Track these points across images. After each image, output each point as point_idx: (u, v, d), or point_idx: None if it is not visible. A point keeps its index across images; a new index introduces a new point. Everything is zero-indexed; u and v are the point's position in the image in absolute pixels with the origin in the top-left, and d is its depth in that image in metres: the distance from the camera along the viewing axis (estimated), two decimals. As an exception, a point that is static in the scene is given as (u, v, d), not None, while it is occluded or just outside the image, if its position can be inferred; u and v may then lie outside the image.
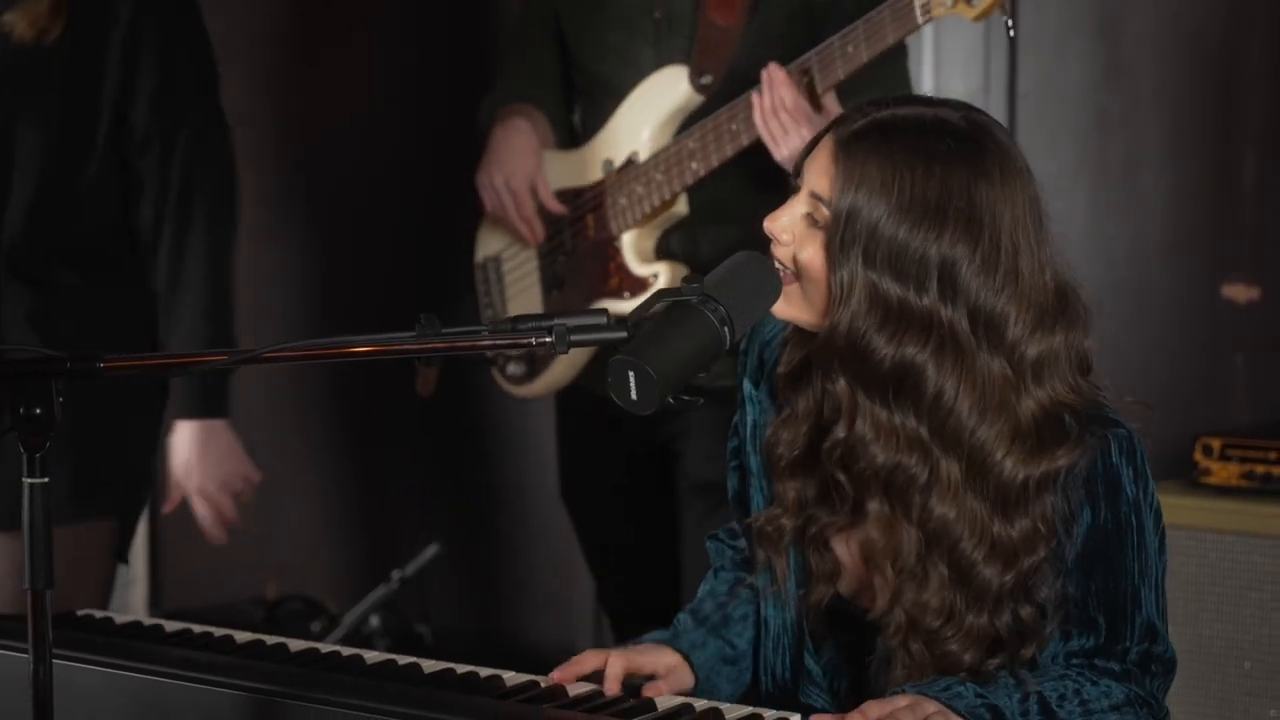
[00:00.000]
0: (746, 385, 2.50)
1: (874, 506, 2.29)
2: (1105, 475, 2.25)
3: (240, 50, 4.81)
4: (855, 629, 2.40)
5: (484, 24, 4.86)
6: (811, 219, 2.27)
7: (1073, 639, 2.28)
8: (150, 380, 3.49)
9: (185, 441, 3.48)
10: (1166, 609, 2.32)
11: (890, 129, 2.25)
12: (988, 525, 2.25)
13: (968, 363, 2.23)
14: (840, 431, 2.29)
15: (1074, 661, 2.28)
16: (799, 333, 2.37)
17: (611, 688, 2.30)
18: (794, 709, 2.37)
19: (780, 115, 3.26)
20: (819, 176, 2.27)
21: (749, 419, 2.50)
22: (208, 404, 3.49)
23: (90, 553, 3.46)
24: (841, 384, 2.28)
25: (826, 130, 2.31)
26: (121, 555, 3.57)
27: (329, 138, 4.89)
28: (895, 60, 3.44)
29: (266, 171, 4.83)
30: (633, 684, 2.36)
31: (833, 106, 3.28)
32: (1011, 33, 3.09)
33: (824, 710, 2.39)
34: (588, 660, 2.35)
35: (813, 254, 2.27)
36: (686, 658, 2.43)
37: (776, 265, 2.30)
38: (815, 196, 2.27)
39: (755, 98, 3.30)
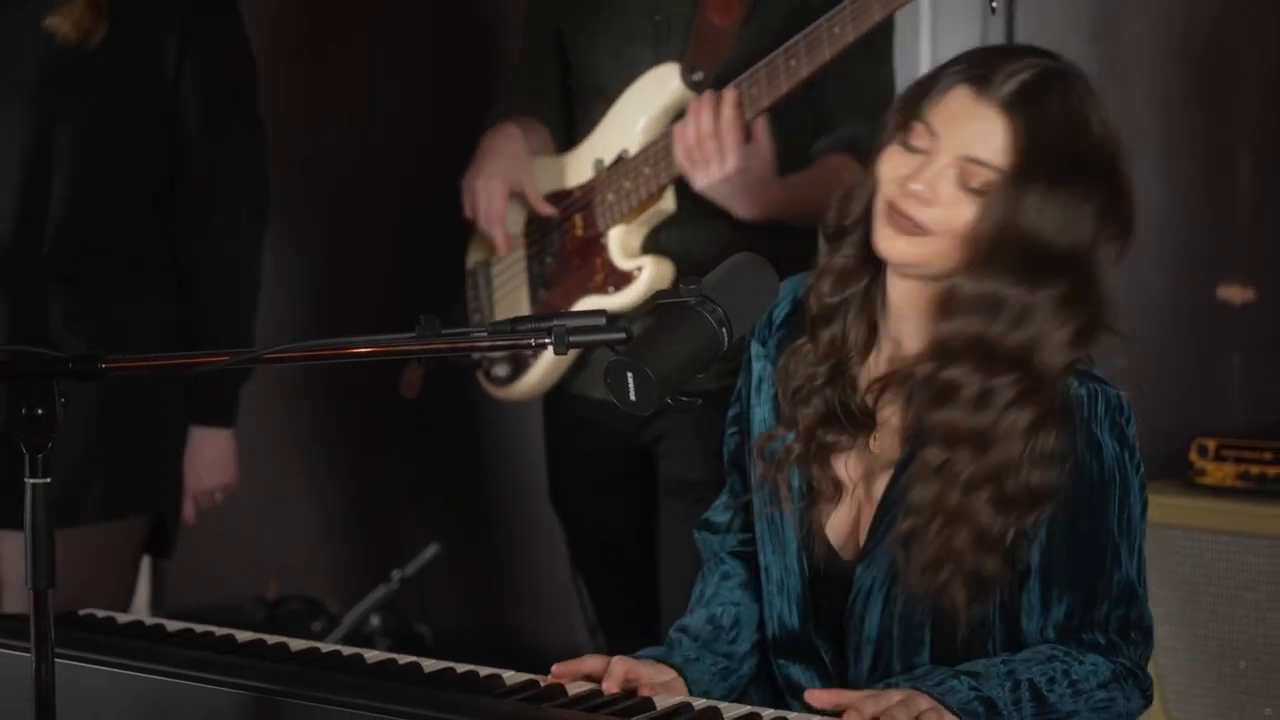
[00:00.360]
0: (754, 346, 2.54)
1: (944, 418, 2.32)
2: (1088, 427, 2.30)
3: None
4: (843, 586, 2.42)
5: (483, 31, 4.85)
6: (961, 181, 2.29)
7: (1053, 606, 2.30)
8: (182, 379, 3.54)
9: (198, 447, 3.57)
10: (1145, 576, 2.35)
11: (1042, 84, 2.30)
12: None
13: (1075, 303, 2.29)
14: (928, 369, 2.33)
15: (1060, 636, 2.30)
16: (840, 274, 2.42)
17: (610, 685, 2.31)
18: (804, 657, 2.43)
19: (706, 144, 3.27)
20: (973, 140, 2.29)
21: (754, 376, 2.54)
22: (224, 413, 3.60)
23: (111, 554, 3.51)
24: (958, 325, 2.31)
25: (955, 80, 2.32)
26: (166, 551, 3.63)
27: (329, 141, 4.89)
28: (882, 83, 3.45)
29: (278, 181, 4.84)
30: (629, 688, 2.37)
31: (761, 136, 3.30)
32: (994, 5, 3.09)
33: (829, 663, 2.43)
34: (588, 661, 2.36)
35: (961, 214, 2.30)
36: (681, 672, 2.44)
37: (904, 218, 2.31)
38: (976, 162, 2.29)
39: (676, 129, 3.31)
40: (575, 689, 2.31)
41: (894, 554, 2.35)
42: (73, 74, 3.42)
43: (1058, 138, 2.28)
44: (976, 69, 2.32)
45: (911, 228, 2.32)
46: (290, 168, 4.87)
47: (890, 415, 2.42)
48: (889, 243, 2.33)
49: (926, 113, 2.33)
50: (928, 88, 2.34)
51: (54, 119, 3.43)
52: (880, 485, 2.41)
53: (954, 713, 2.16)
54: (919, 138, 2.33)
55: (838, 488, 2.44)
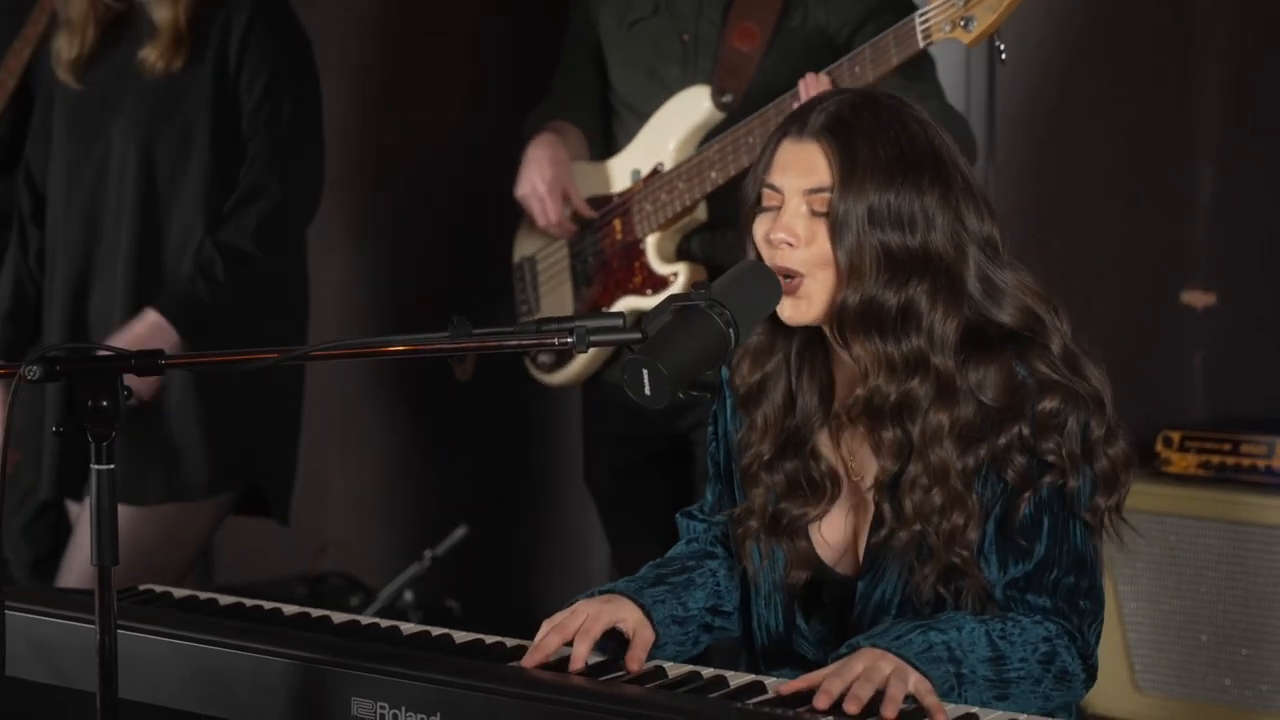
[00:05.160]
0: (725, 372, 2.52)
1: (888, 435, 2.31)
2: (1027, 415, 2.28)
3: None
4: (840, 595, 2.40)
5: (537, 38, 4.83)
6: (812, 212, 2.29)
7: (1009, 568, 2.28)
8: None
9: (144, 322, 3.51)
10: (1100, 555, 2.32)
11: (847, 111, 2.31)
12: (959, 415, 2.29)
13: (957, 286, 2.29)
14: (860, 390, 2.32)
15: (1010, 593, 2.27)
16: (755, 354, 2.42)
17: (575, 666, 2.28)
18: (792, 663, 2.39)
19: None
20: (807, 173, 2.30)
21: (729, 404, 2.52)
22: (183, 314, 3.51)
23: (204, 524, 3.63)
24: (856, 348, 2.30)
25: (779, 139, 2.34)
26: (282, 518, 3.73)
27: (386, 149, 4.89)
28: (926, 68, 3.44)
29: (327, 189, 4.83)
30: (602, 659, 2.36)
31: None
32: (1004, 56, 3.09)
33: (819, 663, 2.39)
34: (551, 640, 2.32)
35: (823, 246, 2.29)
36: (648, 613, 2.40)
37: (783, 275, 2.30)
38: (813, 191, 2.29)
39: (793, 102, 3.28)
40: (591, 659, 2.31)
41: (897, 569, 2.33)
42: (166, 96, 3.50)
43: (874, 145, 2.28)
44: (793, 122, 2.35)
45: (789, 286, 2.31)
46: (350, 176, 4.88)
47: (861, 444, 2.39)
48: (779, 310, 2.32)
49: (768, 176, 2.34)
50: (766, 157, 2.36)
51: (157, 138, 3.51)
52: (868, 506, 2.37)
53: (916, 668, 2.13)
54: (770, 199, 2.34)
55: (811, 558, 2.41)
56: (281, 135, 3.54)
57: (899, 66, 3.21)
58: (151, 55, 3.49)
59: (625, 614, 2.38)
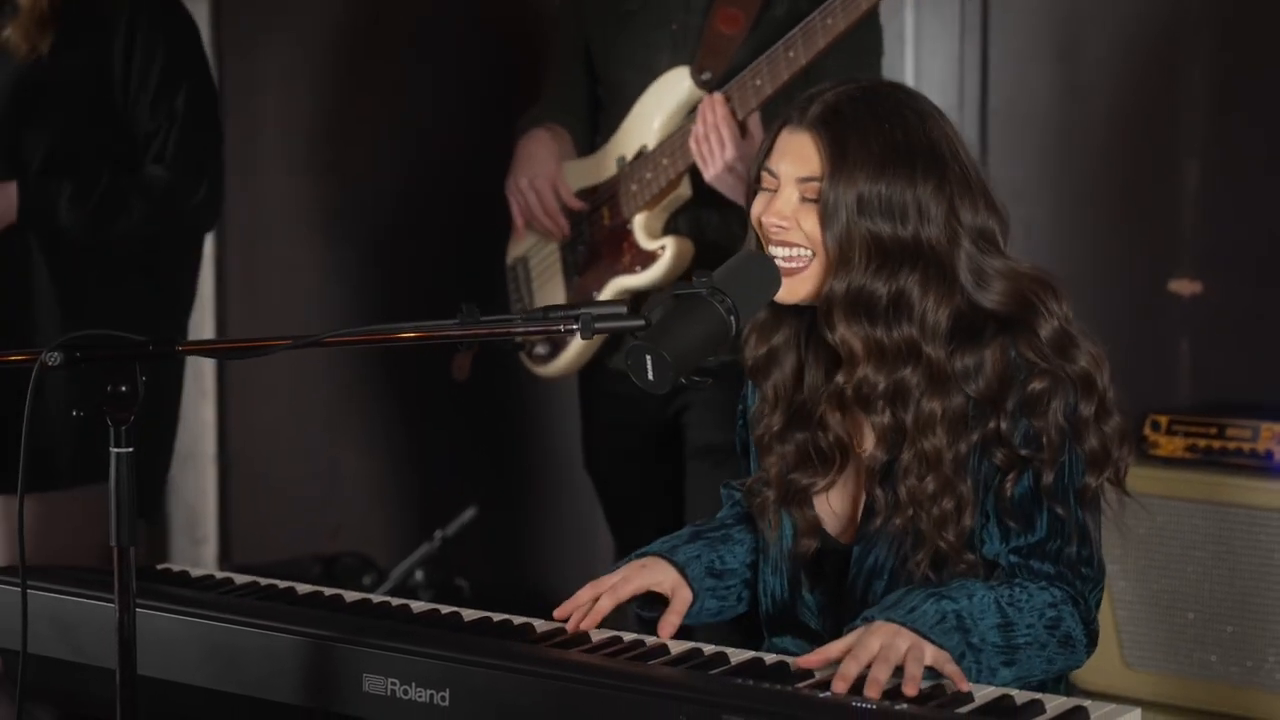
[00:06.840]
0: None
1: (878, 420, 2.31)
2: (1021, 395, 2.28)
3: (301, 64, 4.80)
4: (837, 562, 2.40)
5: (525, 45, 4.83)
6: (803, 199, 2.31)
7: (1012, 537, 2.28)
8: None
9: None
10: (1099, 525, 2.33)
11: (844, 103, 2.31)
12: (950, 404, 2.29)
13: (949, 276, 2.28)
14: (843, 378, 2.32)
15: (1013, 560, 2.28)
16: (762, 328, 2.43)
17: (591, 622, 2.32)
18: (795, 630, 2.41)
19: (711, 138, 3.28)
20: (801, 162, 2.31)
21: (749, 385, 2.54)
22: (34, 210, 3.34)
23: (88, 519, 3.35)
24: (842, 332, 2.30)
25: (779, 128, 2.35)
26: (145, 514, 3.48)
27: (380, 150, 4.88)
28: (870, 50, 3.45)
29: (334, 185, 4.82)
30: (649, 616, 2.39)
31: (755, 130, 3.29)
32: None
33: (819, 631, 2.41)
34: (584, 595, 2.36)
35: (814, 225, 2.30)
36: (683, 571, 2.41)
37: (791, 253, 2.32)
38: (805, 179, 2.30)
39: (693, 128, 3.33)
40: (597, 635, 2.31)
41: (889, 537, 2.33)
42: (32, 82, 3.33)
43: (866, 136, 2.28)
44: (795, 109, 2.36)
45: (798, 261, 2.32)
46: (346, 177, 4.87)
47: (863, 422, 2.38)
48: (781, 290, 2.33)
49: (767, 160, 2.36)
50: (767, 141, 2.37)
51: (22, 125, 3.35)
52: (866, 479, 2.38)
53: (931, 640, 2.13)
54: (768, 182, 2.35)
55: (817, 525, 2.41)
56: (179, 123, 3.37)
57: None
58: (14, 35, 3.30)
59: (661, 576, 2.41)
